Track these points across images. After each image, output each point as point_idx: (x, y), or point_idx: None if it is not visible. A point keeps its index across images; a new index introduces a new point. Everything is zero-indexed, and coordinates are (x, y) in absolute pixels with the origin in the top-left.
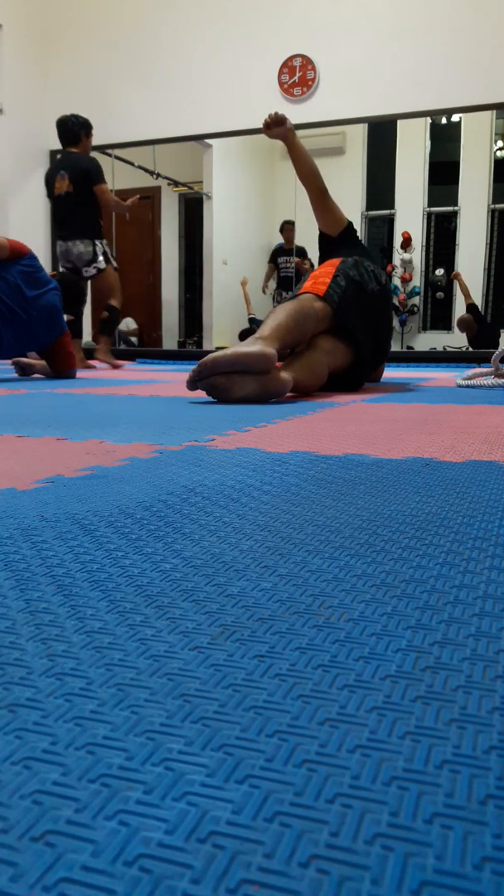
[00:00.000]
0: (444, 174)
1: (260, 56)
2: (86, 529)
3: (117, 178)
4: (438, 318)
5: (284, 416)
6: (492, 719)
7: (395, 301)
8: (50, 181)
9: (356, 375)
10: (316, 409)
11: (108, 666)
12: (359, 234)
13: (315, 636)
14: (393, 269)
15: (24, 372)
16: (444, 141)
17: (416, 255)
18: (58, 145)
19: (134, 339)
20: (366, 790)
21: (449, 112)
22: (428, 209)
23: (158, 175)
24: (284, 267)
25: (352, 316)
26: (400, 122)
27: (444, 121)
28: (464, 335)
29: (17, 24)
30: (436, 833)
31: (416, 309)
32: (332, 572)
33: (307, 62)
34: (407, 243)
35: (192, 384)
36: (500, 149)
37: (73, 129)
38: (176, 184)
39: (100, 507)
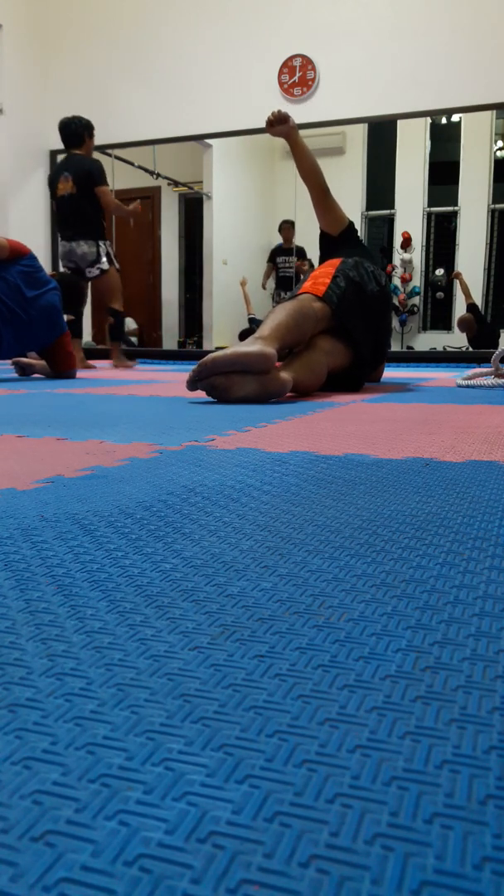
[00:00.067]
0: (444, 174)
1: (260, 56)
2: (86, 529)
3: (117, 178)
4: (438, 318)
5: (284, 416)
6: (492, 719)
7: (395, 301)
8: (53, 183)
9: (356, 376)
10: (316, 409)
11: (108, 666)
12: (359, 233)
13: (315, 636)
14: (393, 269)
15: (24, 372)
16: (444, 141)
17: (416, 255)
18: (58, 145)
19: (134, 339)
20: (366, 790)
21: (449, 112)
22: (428, 209)
23: (158, 175)
24: (283, 267)
25: (351, 316)
26: (400, 122)
27: (444, 121)
28: (464, 335)
29: (17, 24)
30: (436, 833)
31: (416, 309)
32: (332, 572)
33: (307, 62)
34: (407, 243)
35: (192, 384)
36: (500, 149)
37: (77, 131)
38: (176, 184)
39: (100, 507)
